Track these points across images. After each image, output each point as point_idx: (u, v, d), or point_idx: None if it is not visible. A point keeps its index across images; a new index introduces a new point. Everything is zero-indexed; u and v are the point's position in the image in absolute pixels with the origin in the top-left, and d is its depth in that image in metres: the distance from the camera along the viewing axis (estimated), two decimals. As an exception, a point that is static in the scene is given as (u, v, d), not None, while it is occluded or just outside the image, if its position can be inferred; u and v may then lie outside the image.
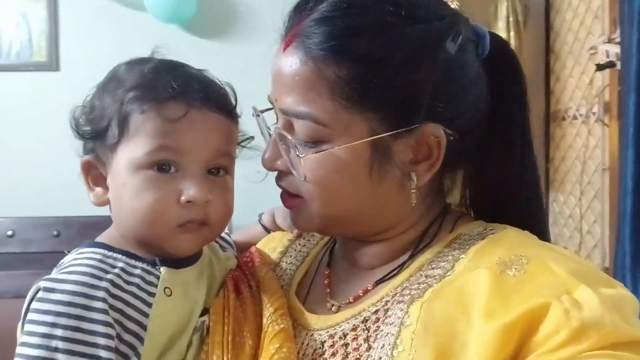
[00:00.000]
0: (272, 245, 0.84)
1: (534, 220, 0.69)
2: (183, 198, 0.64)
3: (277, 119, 0.67)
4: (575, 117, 2.41)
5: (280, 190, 0.69)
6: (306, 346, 0.65)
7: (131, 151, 0.64)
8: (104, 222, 0.70)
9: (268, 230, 0.87)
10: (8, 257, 2.35)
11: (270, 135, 0.69)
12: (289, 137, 0.63)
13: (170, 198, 0.64)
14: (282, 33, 0.66)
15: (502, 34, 2.48)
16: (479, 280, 0.55)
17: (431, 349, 0.54)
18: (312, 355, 0.63)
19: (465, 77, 0.64)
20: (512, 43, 2.47)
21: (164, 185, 0.64)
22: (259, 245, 0.84)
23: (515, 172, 0.69)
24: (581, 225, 2.32)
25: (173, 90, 0.64)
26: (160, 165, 0.64)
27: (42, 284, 0.59)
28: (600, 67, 2.05)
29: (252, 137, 0.75)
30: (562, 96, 2.54)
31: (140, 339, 0.60)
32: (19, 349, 0.56)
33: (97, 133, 0.67)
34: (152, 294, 0.62)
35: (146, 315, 0.61)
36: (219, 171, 0.68)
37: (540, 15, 2.66)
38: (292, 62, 0.62)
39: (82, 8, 2.41)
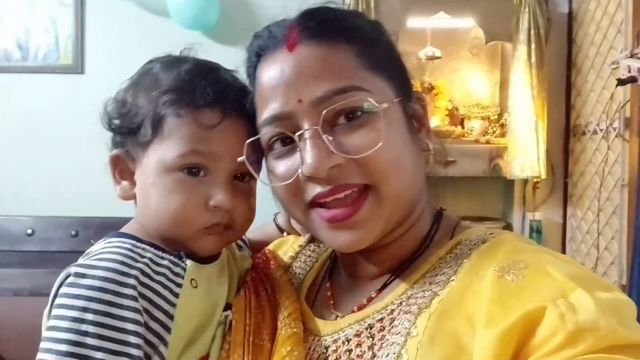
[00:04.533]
0: (284, 249, 0.85)
1: None
2: (211, 203, 0.66)
3: (302, 123, 0.62)
4: (595, 132, 2.38)
5: (324, 204, 0.62)
6: (312, 351, 0.65)
7: (162, 152, 0.66)
8: (122, 223, 0.71)
9: (282, 230, 0.88)
10: (27, 255, 2.40)
11: (296, 140, 0.62)
12: (342, 116, 0.61)
13: (199, 202, 0.66)
14: (271, 44, 0.66)
15: (524, 46, 2.47)
16: (481, 289, 0.56)
17: (436, 358, 0.54)
18: (317, 359, 0.64)
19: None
20: (534, 56, 2.46)
21: (193, 188, 0.66)
22: (270, 247, 0.85)
23: None
24: (599, 241, 2.29)
25: (210, 97, 0.65)
26: (191, 169, 0.66)
27: (73, 269, 0.60)
28: (621, 82, 2.03)
29: None
30: (583, 110, 2.52)
31: (167, 329, 0.61)
32: (47, 333, 0.57)
33: (129, 129, 0.68)
34: (179, 285, 0.64)
35: (173, 305, 0.62)
36: (245, 177, 0.70)
37: (562, 29, 2.64)
38: (308, 54, 0.62)
39: (108, 14, 2.47)
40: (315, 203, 0.63)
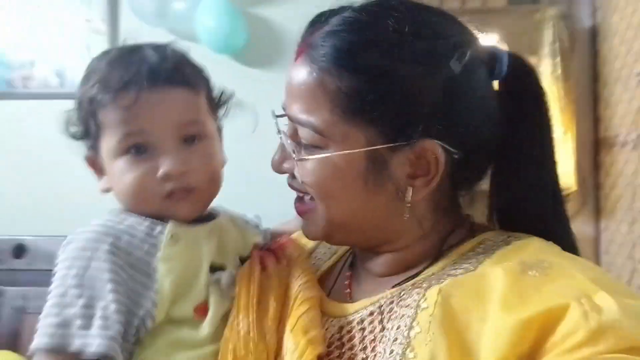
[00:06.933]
0: (304, 241, 0.86)
1: (556, 235, 0.69)
2: (159, 174, 0.71)
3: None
4: (624, 144, 2.35)
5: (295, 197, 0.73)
6: (325, 331, 0.67)
7: (107, 142, 0.73)
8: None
9: None
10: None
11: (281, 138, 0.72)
12: (291, 141, 0.68)
13: (150, 175, 0.71)
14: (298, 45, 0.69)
15: (548, 60, 2.47)
16: (499, 275, 0.56)
17: (447, 334, 0.54)
18: (330, 339, 0.65)
19: (470, 96, 0.65)
20: (559, 69, 2.45)
21: (142, 165, 0.72)
22: (294, 237, 0.87)
23: (535, 188, 0.70)
24: (634, 253, 2.25)
25: (121, 79, 0.71)
26: (136, 149, 0.72)
27: (66, 240, 0.70)
28: (649, 93, 2.01)
29: (232, 94, 0.82)
30: (611, 122, 2.49)
31: (152, 278, 0.67)
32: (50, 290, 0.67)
33: (83, 132, 0.76)
34: (161, 241, 0.70)
35: (155, 256, 0.68)
36: (194, 139, 0.74)
37: (586, 42, 2.63)
38: (300, 72, 0.66)
39: (140, 40, 2.54)
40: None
